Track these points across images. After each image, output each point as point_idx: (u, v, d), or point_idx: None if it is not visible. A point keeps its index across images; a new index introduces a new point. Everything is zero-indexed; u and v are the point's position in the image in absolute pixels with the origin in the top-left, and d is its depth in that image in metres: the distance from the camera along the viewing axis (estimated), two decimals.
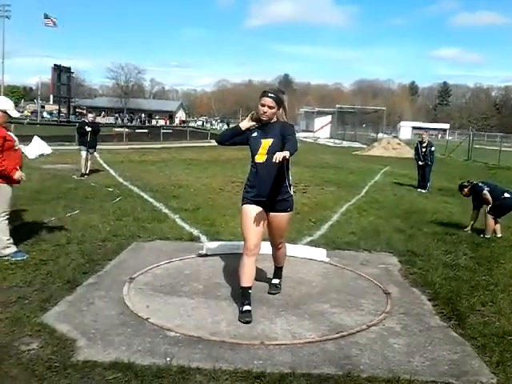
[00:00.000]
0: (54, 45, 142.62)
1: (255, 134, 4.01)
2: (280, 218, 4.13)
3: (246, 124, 4.03)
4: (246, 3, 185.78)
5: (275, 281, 4.62)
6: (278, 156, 3.44)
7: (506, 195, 7.39)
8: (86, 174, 11.90)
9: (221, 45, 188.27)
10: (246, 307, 3.90)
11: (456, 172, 18.51)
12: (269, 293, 4.53)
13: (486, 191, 7.40)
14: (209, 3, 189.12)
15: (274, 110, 3.90)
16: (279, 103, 3.92)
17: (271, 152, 3.78)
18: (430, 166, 12.84)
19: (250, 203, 4.03)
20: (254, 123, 4.01)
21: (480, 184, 7.67)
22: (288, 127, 3.94)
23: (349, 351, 3.41)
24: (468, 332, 3.79)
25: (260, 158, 3.95)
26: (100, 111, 69.72)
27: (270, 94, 3.88)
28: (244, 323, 3.78)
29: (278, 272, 4.65)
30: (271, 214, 4.09)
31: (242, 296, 3.96)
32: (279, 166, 3.82)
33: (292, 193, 4.15)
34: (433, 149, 13.03)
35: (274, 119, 3.97)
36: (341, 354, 3.36)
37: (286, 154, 3.48)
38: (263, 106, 3.88)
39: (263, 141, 3.95)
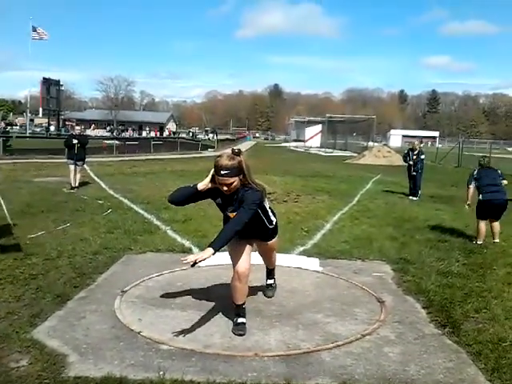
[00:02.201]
0: (43, 58, 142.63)
1: (219, 201, 3.79)
2: (265, 245, 4.23)
3: (204, 186, 3.68)
4: (236, 14, 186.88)
5: (269, 281, 4.67)
6: (189, 259, 3.26)
7: (480, 196, 7.10)
8: (75, 187, 11.82)
9: (211, 56, 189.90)
10: (241, 319, 3.87)
11: (447, 179, 18.62)
12: (266, 295, 4.58)
13: (471, 186, 7.24)
14: (199, 15, 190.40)
15: (235, 183, 3.56)
16: (237, 171, 3.55)
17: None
18: (420, 173, 12.88)
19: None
20: (213, 185, 3.66)
21: (474, 173, 7.33)
22: (247, 197, 3.58)
23: (344, 361, 3.38)
24: (463, 339, 3.77)
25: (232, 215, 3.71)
26: (90, 124, 69.56)
27: (222, 172, 3.49)
28: (238, 335, 3.74)
29: (270, 272, 4.67)
30: (257, 241, 4.16)
31: (236, 309, 3.92)
32: (256, 219, 3.75)
33: (274, 224, 4.10)
34: (422, 156, 13.09)
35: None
36: (336, 364, 3.33)
37: (200, 257, 3.26)
38: (221, 185, 3.56)
39: (229, 214, 3.74)
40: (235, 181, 3.57)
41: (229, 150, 3.70)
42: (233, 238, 3.59)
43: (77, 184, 11.96)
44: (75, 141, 12.01)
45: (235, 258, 3.86)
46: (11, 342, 3.44)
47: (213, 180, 3.66)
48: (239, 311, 3.90)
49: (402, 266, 5.83)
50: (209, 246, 3.36)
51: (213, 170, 3.62)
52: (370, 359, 3.42)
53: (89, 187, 12.41)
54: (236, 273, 3.82)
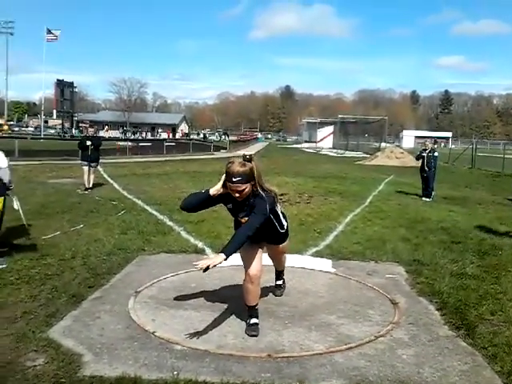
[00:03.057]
0: (57, 60, 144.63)
1: (230, 206, 3.82)
2: (276, 248, 4.32)
3: (216, 191, 3.71)
4: (248, 16, 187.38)
5: (279, 282, 4.74)
6: (201, 265, 3.28)
7: None
8: (89, 188, 11.92)
9: (223, 57, 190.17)
10: (253, 320, 3.88)
11: (460, 180, 18.47)
12: (275, 295, 4.64)
13: None
14: (211, 16, 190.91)
15: (246, 189, 3.59)
16: (249, 177, 3.57)
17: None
18: (433, 172, 12.77)
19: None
20: (224, 190, 3.69)
21: None
22: (259, 203, 3.61)
23: (357, 363, 3.37)
24: (478, 342, 3.74)
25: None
26: (103, 125, 70.10)
27: (234, 179, 3.52)
28: (251, 336, 3.76)
29: (279, 274, 4.73)
30: (268, 245, 4.22)
31: (249, 311, 3.94)
32: (268, 224, 3.81)
33: (285, 228, 4.16)
34: (436, 154, 12.99)
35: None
36: (349, 366, 3.32)
37: (212, 263, 3.29)
38: (233, 191, 3.59)
39: (241, 219, 3.79)
40: (247, 187, 3.59)
41: (241, 154, 3.71)
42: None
43: (90, 185, 12.06)
44: (89, 142, 12.11)
45: (247, 261, 3.88)
46: (28, 342, 3.49)
47: (224, 185, 3.69)
48: (252, 312, 3.92)
49: (416, 267, 5.79)
50: (221, 252, 3.40)
51: (224, 175, 3.64)
52: (383, 361, 3.40)
53: (102, 188, 12.51)
54: (248, 275, 3.84)
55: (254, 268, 3.83)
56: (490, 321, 4.19)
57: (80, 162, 12.61)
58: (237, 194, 3.60)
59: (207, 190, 3.73)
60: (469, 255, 6.44)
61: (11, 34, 61.39)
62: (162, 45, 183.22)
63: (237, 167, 3.54)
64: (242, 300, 3.97)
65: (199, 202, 3.82)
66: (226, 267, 5.47)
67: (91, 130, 13.56)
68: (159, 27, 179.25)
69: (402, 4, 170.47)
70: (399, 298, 4.72)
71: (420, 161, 13.22)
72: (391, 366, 3.34)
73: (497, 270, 5.78)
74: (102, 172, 15.71)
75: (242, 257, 3.94)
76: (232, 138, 59.35)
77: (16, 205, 5.76)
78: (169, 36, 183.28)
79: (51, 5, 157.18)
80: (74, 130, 56.95)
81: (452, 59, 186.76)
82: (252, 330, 3.81)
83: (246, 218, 3.67)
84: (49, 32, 54.06)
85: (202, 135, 75.76)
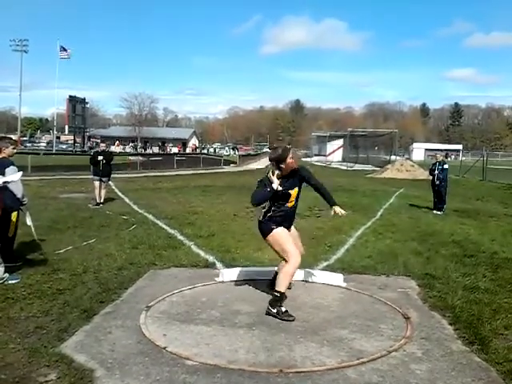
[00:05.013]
0: (70, 76, 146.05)
1: (281, 188, 4.60)
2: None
3: (278, 185, 4.53)
4: (258, 31, 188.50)
5: None
6: (342, 213, 4.84)
7: None
8: (100, 203, 12.00)
9: (233, 72, 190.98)
10: (284, 308, 4.44)
11: (471, 193, 18.35)
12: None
13: None
14: (223, 32, 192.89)
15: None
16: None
17: (297, 198, 4.73)
18: (444, 185, 12.68)
19: (279, 226, 4.66)
20: (280, 180, 4.57)
21: None
22: (305, 170, 4.82)
23: (370, 378, 3.34)
24: (492, 357, 3.69)
25: (290, 204, 4.71)
26: (114, 140, 70.71)
27: (292, 155, 4.63)
28: (291, 321, 4.29)
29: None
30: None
31: (280, 297, 4.46)
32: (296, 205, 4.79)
33: None
34: (446, 166, 12.91)
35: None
36: (362, 381, 3.29)
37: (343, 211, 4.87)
38: (292, 163, 4.59)
39: (291, 192, 4.66)
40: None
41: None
42: (282, 229, 4.64)
43: (102, 200, 12.14)
44: (100, 157, 12.22)
45: (291, 247, 4.53)
46: (40, 357, 3.50)
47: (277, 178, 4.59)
48: (283, 298, 4.49)
49: (428, 281, 5.75)
50: (333, 205, 4.87)
51: (270, 172, 4.57)
52: (396, 376, 3.37)
53: (113, 203, 12.58)
54: (294, 260, 4.46)
55: (298, 253, 4.55)
56: (505, 335, 4.14)
57: (91, 176, 12.70)
58: (295, 166, 4.61)
59: (271, 188, 4.51)
60: (481, 269, 6.38)
61: (25, 51, 62.50)
62: (175, 60, 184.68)
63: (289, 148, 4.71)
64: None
65: (267, 199, 4.63)
66: (237, 282, 5.48)
67: (103, 146, 13.68)
68: (172, 43, 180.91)
69: (411, 17, 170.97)
70: (411, 312, 4.68)
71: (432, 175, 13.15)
72: (404, 381, 3.31)
73: (510, 283, 5.72)
74: (113, 187, 15.80)
75: (286, 243, 4.54)
76: (242, 152, 59.48)
77: (28, 220, 5.82)
78: (182, 51, 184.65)
79: (65, 22, 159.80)
80: (86, 146, 57.54)
81: (462, 72, 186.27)
82: (289, 316, 4.37)
83: (295, 190, 4.68)
84: (62, 49, 54.97)
85: (211, 150, 76.08)
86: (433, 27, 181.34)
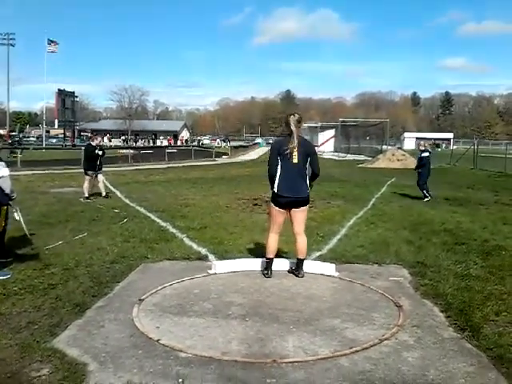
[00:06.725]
0: (58, 70, 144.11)
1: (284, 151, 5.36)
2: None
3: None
4: (249, 22, 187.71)
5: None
6: None
7: None
8: (106, 196, 12.11)
9: (224, 64, 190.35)
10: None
11: (462, 181, 18.44)
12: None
13: None
14: (214, 24, 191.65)
15: None
16: None
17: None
18: (423, 172, 12.79)
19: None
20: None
21: None
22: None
23: (363, 366, 3.36)
24: (483, 343, 3.73)
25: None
26: (104, 134, 70.23)
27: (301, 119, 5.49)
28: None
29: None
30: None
31: (303, 262, 5.45)
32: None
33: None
34: (424, 154, 12.99)
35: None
36: (355, 370, 3.31)
37: None
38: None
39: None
40: None
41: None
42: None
43: (104, 193, 12.26)
44: (100, 152, 12.17)
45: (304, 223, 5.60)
46: (32, 352, 3.49)
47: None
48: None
49: (419, 269, 5.78)
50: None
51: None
52: (388, 364, 3.40)
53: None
54: (304, 232, 5.50)
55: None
56: (495, 322, 4.17)
57: (85, 171, 12.47)
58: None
59: (277, 163, 5.39)
60: (472, 256, 6.43)
61: (12, 45, 61.71)
62: (165, 53, 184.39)
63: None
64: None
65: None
66: (230, 273, 5.49)
67: (99, 140, 13.49)
68: (162, 35, 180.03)
69: (403, 7, 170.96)
70: (403, 300, 4.71)
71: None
72: (396, 369, 3.33)
73: (501, 270, 5.77)
74: (104, 180, 15.72)
75: (298, 220, 5.52)
76: (234, 143, 59.38)
77: (17, 215, 5.77)
78: (172, 44, 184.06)
79: (53, 15, 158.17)
80: (75, 139, 57.16)
81: (453, 61, 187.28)
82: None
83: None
84: (50, 43, 54.44)
85: (200, 142, 75.53)
86: (425, 17, 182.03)
